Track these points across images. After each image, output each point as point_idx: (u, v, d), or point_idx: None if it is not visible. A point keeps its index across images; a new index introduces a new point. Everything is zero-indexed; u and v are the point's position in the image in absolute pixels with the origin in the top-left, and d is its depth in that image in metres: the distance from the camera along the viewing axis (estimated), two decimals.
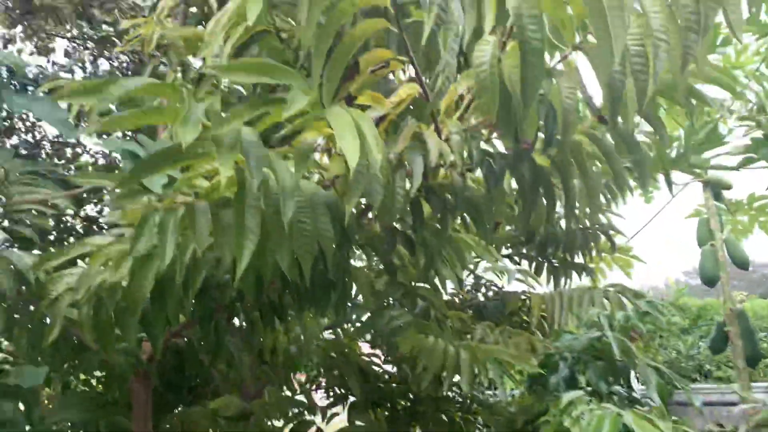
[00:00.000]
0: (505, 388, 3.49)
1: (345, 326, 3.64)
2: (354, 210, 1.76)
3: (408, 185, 1.51)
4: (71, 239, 3.65)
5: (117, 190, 1.80)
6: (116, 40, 3.95)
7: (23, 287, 2.11)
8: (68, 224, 3.70)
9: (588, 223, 2.61)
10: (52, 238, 3.55)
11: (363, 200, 1.83)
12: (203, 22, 2.70)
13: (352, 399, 3.18)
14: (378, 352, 3.43)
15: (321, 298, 2.03)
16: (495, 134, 1.57)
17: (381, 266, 2.80)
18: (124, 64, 4.28)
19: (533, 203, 1.48)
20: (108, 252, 1.87)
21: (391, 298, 2.58)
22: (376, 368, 3.38)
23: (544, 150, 1.36)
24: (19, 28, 4.22)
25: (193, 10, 2.70)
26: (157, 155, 1.38)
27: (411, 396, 3.14)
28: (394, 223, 1.84)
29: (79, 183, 1.80)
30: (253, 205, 1.36)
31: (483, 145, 1.53)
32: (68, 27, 4.16)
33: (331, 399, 3.30)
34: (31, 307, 2.26)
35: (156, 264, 1.79)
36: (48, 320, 2.25)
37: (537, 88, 1.16)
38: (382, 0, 1.34)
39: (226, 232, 1.56)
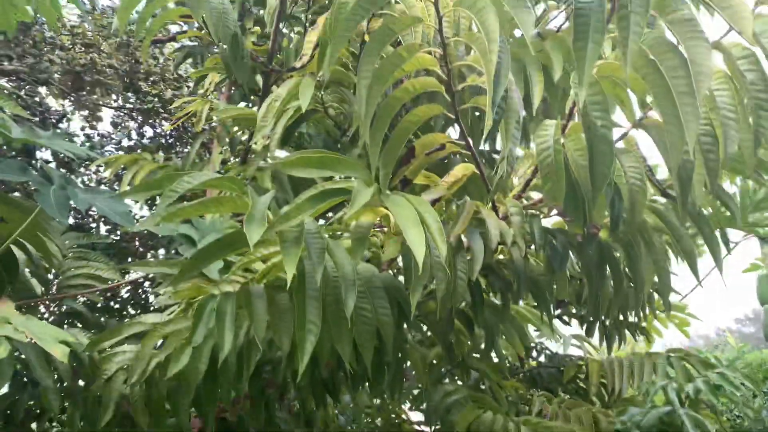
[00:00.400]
0: None
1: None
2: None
3: (467, 266, 1.47)
4: (116, 305, 3.68)
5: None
6: (160, 110, 4.06)
7: (76, 366, 2.12)
8: (114, 288, 3.73)
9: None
10: (98, 305, 3.59)
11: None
12: (246, 96, 2.76)
13: None
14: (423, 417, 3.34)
15: (376, 377, 1.98)
16: (554, 212, 1.53)
17: (430, 335, 2.75)
18: (167, 132, 4.39)
19: (600, 284, 1.42)
20: (161, 332, 1.86)
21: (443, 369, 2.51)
22: None
23: (612, 231, 1.32)
24: (68, 101, 4.39)
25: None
26: (216, 244, 1.38)
27: None
28: None
29: (138, 270, 1.81)
30: (313, 296, 1.34)
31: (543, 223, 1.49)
32: (114, 98, 4.31)
33: None
34: (81, 382, 2.26)
35: (211, 346, 1.77)
36: (101, 398, 2.26)
37: (606, 176, 1.12)
38: (436, 86, 1.34)
39: (284, 316, 1.54)
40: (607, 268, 1.45)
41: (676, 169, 1.17)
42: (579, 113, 1.20)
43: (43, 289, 2.16)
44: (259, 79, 2.50)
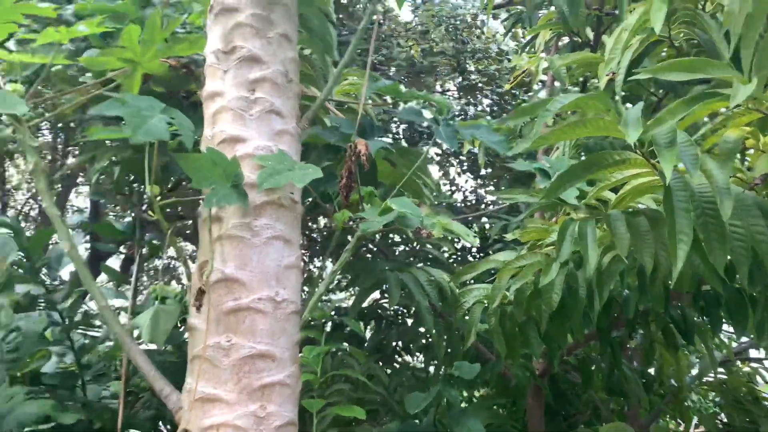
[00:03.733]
0: None
1: (739, 364, 3.25)
2: None
3: None
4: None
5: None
6: (483, 86, 4.35)
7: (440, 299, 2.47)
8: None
9: None
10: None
11: None
12: (575, 50, 2.82)
13: None
14: None
15: (739, 314, 1.87)
16: None
17: None
18: (488, 108, 4.70)
19: None
20: (513, 266, 2.06)
21: None
22: None
23: None
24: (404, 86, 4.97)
25: (566, 40, 2.84)
26: (579, 165, 1.48)
27: None
28: None
29: (503, 199, 2.04)
30: (683, 207, 1.34)
31: None
32: (440, 83, 4.78)
33: None
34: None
35: (564, 278, 1.90)
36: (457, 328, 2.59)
37: None
38: None
39: (644, 237, 1.58)
40: None
41: None
42: None
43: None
44: (589, 32, 2.55)
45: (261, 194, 1.15)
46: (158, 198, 1.15)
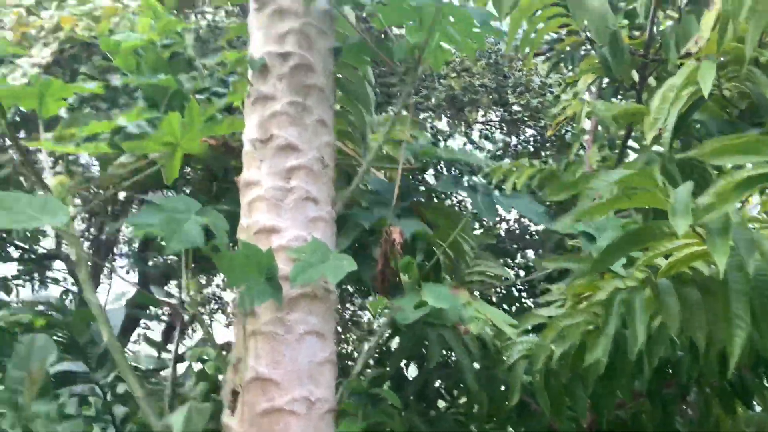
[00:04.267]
0: None
1: None
2: None
3: None
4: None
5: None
6: (525, 119, 4.29)
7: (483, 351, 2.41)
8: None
9: None
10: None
11: None
12: (617, 95, 2.74)
13: None
14: None
15: None
16: None
17: None
18: (530, 139, 4.62)
19: None
20: (558, 325, 1.99)
21: None
22: None
23: None
24: (444, 120, 4.96)
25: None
26: (625, 239, 1.43)
27: None
28: None
29: (547, 267, 1.99)
30: (740, 290, 1.27)
31: None
32: (482, 113, 4.73)
33: None
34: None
35: (611, 340, 1.82)
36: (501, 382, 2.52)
37: None
38: None
39: (695, 312, 1.50)
40: None
41: None
42: None
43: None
44: (633, 73, 2.47)
45: (295, 287, 1.14)
46: (194, 291, 1.15)
